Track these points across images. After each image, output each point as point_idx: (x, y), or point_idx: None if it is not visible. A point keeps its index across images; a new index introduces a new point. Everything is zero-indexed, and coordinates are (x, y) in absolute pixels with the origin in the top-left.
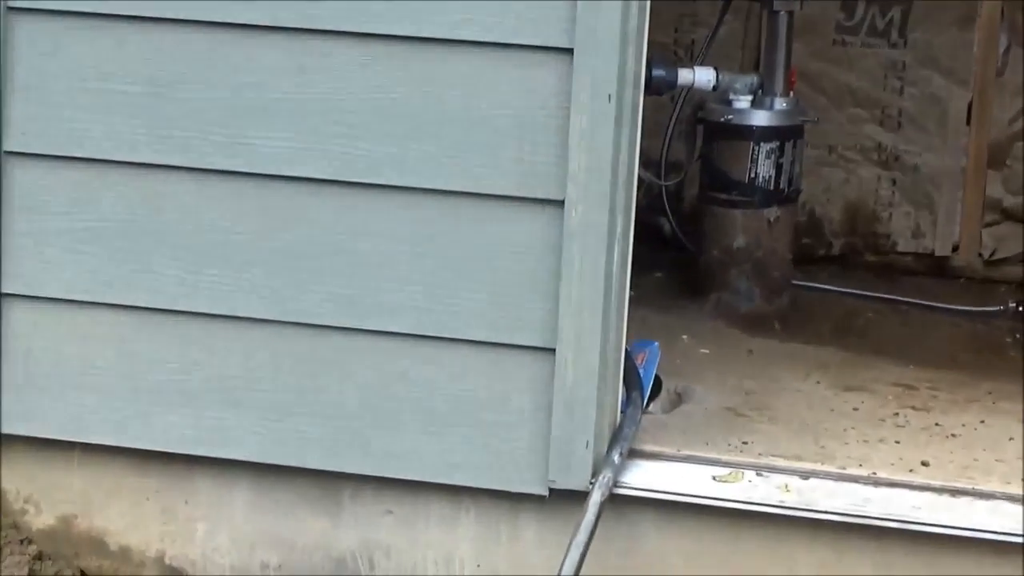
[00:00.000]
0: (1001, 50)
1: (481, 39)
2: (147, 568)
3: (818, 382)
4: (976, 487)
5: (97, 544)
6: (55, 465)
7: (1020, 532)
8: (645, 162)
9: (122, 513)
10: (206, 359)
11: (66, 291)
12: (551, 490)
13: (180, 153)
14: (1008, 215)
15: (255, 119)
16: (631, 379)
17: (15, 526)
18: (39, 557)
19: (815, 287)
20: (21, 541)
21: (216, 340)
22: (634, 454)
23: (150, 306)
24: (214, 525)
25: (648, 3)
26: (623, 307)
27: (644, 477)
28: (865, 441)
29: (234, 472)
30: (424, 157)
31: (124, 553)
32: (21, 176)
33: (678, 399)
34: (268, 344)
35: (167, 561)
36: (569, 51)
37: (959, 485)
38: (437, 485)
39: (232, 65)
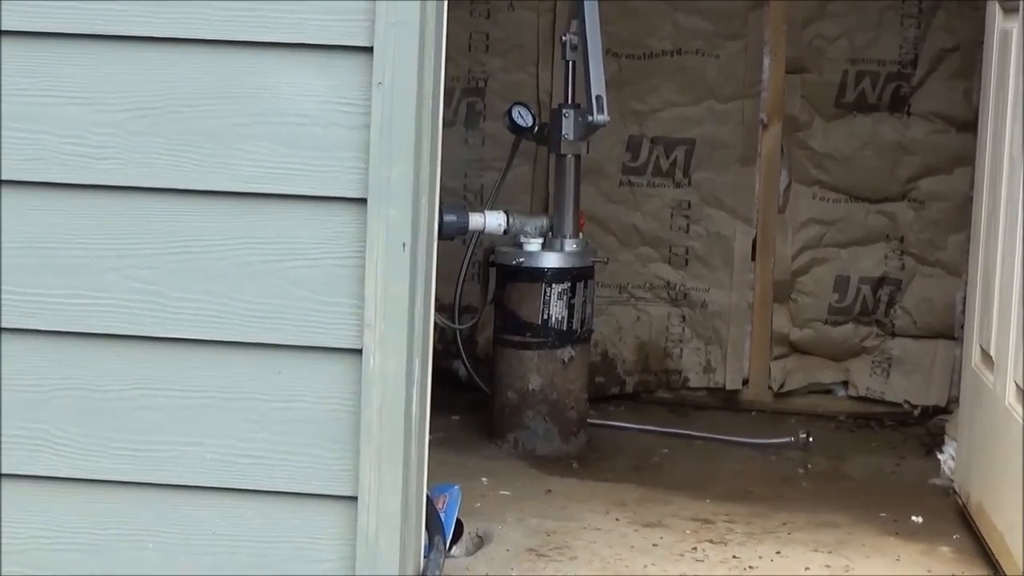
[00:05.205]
0: (782, 187)
1: (280, 192)
2: None
3: (617, 519)
4: None
5: None
6: None
7: None
8: (439, 306)
9: None
10: None
11: None
12: None
13: None
14: (795, 348)
15: (48, 276)
16: (433, 523)
17: None
18: None
19: (611, 425)
20: None
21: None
22: None
23: None
24: None
25: (439, 152)
26: (423, 452)
27: None
28: None
29: None
30: (225, 311)
31: None
32: None
33: (480, 541)
34: (69, 502)
35: None
36: (363, 201)
37: None
38: None
39: (27, 222)
